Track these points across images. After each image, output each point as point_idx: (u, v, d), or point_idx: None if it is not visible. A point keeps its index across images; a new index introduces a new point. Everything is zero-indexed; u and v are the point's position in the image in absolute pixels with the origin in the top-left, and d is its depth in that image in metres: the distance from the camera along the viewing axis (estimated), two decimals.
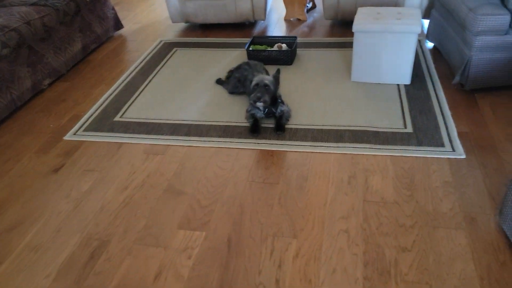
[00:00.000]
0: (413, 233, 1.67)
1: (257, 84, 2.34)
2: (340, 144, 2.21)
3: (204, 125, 2.46)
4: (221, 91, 2.81)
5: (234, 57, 3.26)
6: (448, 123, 2.29)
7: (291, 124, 2.41)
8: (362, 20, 2.57)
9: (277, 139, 2.29)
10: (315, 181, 1.99)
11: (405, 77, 2.68)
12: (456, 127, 2.26)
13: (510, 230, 1.55)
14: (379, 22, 2.52)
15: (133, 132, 2.45)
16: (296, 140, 2.27)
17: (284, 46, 3.20)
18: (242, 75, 2.66)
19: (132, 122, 2.55)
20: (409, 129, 2.28)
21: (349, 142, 2.22)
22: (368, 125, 2.34)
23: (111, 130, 2.49)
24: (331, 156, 2.14)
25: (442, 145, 2.14)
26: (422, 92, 2.59)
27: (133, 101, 2.77)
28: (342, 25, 3.67)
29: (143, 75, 3.10)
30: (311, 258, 1.61)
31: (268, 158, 2.16)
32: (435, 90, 2.60)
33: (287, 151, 2.20)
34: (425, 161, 2.05)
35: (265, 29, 3.77)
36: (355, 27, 2.56)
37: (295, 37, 3.20)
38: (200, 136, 2.37)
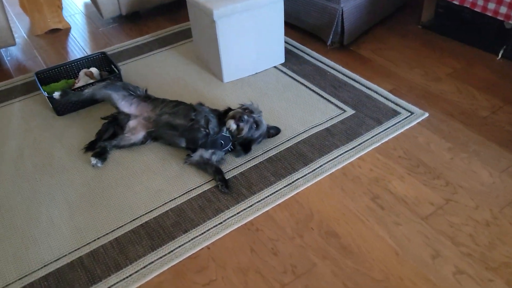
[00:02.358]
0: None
1: (246, 109, 1.62)
2: (313, 164, 1.61)
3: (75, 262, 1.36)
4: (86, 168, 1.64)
5: (14, 118, 1.99)
6: (373, 88, 1.99)
7: (227, 171, 1.61)
8: (218, 4, 1.89)
9: (235, 205, 1.48)
10: (347, 229, 1.36)
11: (279, 56, 2.21)
12: (380, 87, 1.99)
13: None
14: (238, 0, 1.90)
15: None
16: (257, 191, 1.52)
17: (94, 70, 2.15)
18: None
19: None
20: (349, 110, 1.87)
21: (320, 156, 1.63)
22: (308, 127, 1.79)
23: None
24: (322, 183, 1.53)
25: (396, 113, 1.83)
26: (308, 66, 2.19)
27: None
28: (138, 19, 2.79)
29: None
30: None
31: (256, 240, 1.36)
32: (317, 59, 2.23)
33: (261, 213, 1.45)
34: (405, 136, 1.70)
35: (20, 59, 2.49)
36: (217, 14, 1.86)
37: (103, 53, 2.19)
38: None
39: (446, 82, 2.00)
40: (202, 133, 1.59)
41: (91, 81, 2.04)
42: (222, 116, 1.67)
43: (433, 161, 1.59)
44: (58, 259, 1.34)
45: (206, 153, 1.61)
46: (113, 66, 2.15)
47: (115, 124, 1.81)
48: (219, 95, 2.02)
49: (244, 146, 1.64)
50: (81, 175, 1.63)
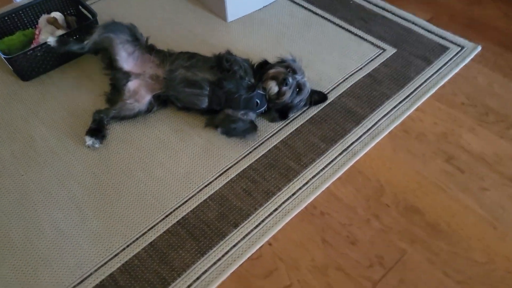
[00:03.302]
0: None
1: (289, 67, 1.32)
2: (366, 122, 1.34)
3: None
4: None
5: None
6: (409, 19, 1.69)
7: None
8: None
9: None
10: (428, 201, 1.15)
11: None
12: (418, 17, 1.69)
13: None
14: None
15: None
16: (309, 163, 1.26)
17: (58, 16, 1.67)
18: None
19: None
20: (389, 48, 1.58)
21: (371, 111, 1.37)
22: (346, 74, 1.50)
23: None
24: (382, 145, 1.28)
25: (445, 48, 1.57)
26: None
27: None
28: None
29: None
30: None
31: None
32: None
33: (321, 191, 1.20)
34: (462, 78, 1.46)
35: None
36: None
37: None
38: None
39: (489, 6, 1.73)
40: (245, 86, 1.26)
41: (60, 32, 1.58)
42: (256, 70, 1.34)
43: (502, 107, 1.37)
44: (82, 281, 1.04)
45: (234, 114, 1.29)
46: (82, 8, 1.67)
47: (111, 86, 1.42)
48: (226, 39, 1.64)
49: (280, 112, 1.34)
50: (79, 161, 1.28)
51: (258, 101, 1.30)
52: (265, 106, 1.33)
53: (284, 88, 1.27)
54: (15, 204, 1.19)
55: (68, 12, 1.72)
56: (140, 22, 1.63)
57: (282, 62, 1.35)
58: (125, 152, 1.30)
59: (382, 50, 1.57)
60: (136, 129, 1.36)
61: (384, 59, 1.53)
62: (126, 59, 1.38)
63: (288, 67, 1.31)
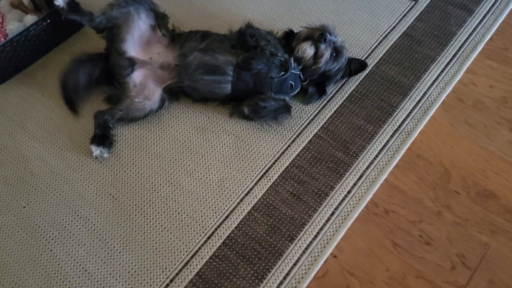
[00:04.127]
0: None
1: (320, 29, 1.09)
2: (414, 93, 1.17)
3: None
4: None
5: None
6: None
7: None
8: None
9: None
10: (501, 181, 1.02)
11: None
12: None
13: None
14: None
15: None
16: (359, 152, 1.09)
17: None
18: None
19: None
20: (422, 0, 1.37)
21: (417, 79, 1.19)
22: (379, 35, 1.30)
23: None
24: (437, 119, 1.12)
25: None
26: None
27: None
28: None
29: None
30: None
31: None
32: None
33: (379, 184, 1.04)
34: (510, 27, 1.29)
35: None
36: None
37: None
38: None
39: None
40: (278, 64, 1.06)
41: (30, 17, 1.30)
42: (285, 43, 1.12)
43: None
44: None
45: (265, 101, 1.09)
46: None
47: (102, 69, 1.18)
48: (230, 6, 1.39)
49: (318, 85, 1.14)
50: (89, 181, 1.07)
51: (292, 83, 1.10)
52: (299, 87, 1.13)
53: (322, 46, 1.06)
54: (23, 245, 0.99)
55: None
56: None
57: (309, 28, 1.13)
58: (142, 162, 1.09)
59: (413, 1, 1.35)
60: (147, 131, 1.15)
61: (418, 13, 1.33)
62: (135, 41, 1.13)
63: (320, 29, 1.09)
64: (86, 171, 1.09)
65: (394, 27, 1.30)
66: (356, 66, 1.16)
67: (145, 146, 1.12)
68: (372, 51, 1.26)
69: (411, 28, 1.29)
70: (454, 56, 1.23)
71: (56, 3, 1.08)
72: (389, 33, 1.29)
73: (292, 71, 1.09)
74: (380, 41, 1.27)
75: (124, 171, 1.08)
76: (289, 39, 1.14)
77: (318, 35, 1.05)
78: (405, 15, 1.33)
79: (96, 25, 1.13)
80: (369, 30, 1.30)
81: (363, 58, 1.24)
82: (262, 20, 1.33)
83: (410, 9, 1.34)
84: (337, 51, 1.09)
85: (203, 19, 1.34)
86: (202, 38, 1.12)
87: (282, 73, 1.07)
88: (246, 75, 1.07)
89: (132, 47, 1.14)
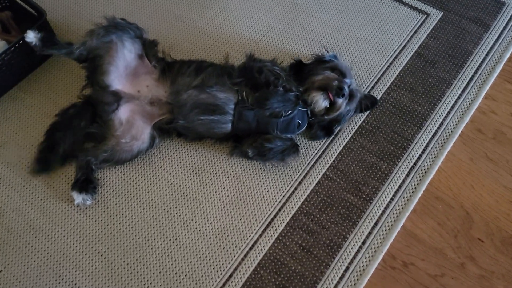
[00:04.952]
0: None
1: (335, 68, 0.96)
2: (430, 124, 1.07)
3: None
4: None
5: None
6: None
7: None
8: None
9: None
10: None
11: None
12: None
13: None
14: None
15: None
16: (372, 194, 0.99)
17: None
18: None
19: None
20: (434, 11, 1.25)
21: (432, 107, 1.09)
22: (389, 56, 1.18)
23: None
24: (456, 154, 1.03)
25: (500, 4, 1.26)
26: None
27: None
28: None
29: None
30: None
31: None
32: None
33: (395, 232, 0.95)
34: None
35: None
36: None
37: None
38: None
39: None
40: (293, 100, 0.94)
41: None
42: (293, 74, 1.00)
43: None
44: None
45: (270, 141, 0.98)
46: (21, 2, 1.21)
47: (86, 112, 1.05)
48: (221, 21, 1.25)
49: (325, 128, 1.03)
50: (73, 236, 0.96)
51: (299, 122, 0.99)
52: (306, 125, 1.02)
53: (340, 101, 0.95)
54: None
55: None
56: (104, 8, 1.20)
57: (322, 63, 1.01)
58: (132, 213, 0.98)
59: (425, 15, 1.24)
60: (137, 174, 1.03)
61: (430, 28, 1.21)
62: (121, 72, 0.99)
63: (334, 69, 0.98)
64: (70, 225, 0.97)
65: (405, 45, 1.19)
66: (367, 103, 1.05)
67: (135, 193, 1.00)
68: (382, 75, 1.14)
69: (423, 47, 1.18)
70: (471, 79, 1.13)
71: (28, 39, 0.94)
72: (399, 53, 1.18)
73: (299, 108, 0.97)
74: (391, 63, 1.16)
75: (113, 224, 0.97)
76: (299, 70, 1.03)
77: (336, 88, 0.93)
78: (416, 31, 1.21)
79: (77, 57, 1.00)
80: (377, 50, 1.18)
81: (372, 83, 1.13)
82: (259, 38, 1.21)
83: (422, 23, 1.22)
84: (351, 95, 0.98)
85: (194, 38, 1.21)
86: (196, 72, 0.99)
87: (290, 111, 0.95)
88: (249, 114, 0.96)
89: (117, 80, 1.01)
